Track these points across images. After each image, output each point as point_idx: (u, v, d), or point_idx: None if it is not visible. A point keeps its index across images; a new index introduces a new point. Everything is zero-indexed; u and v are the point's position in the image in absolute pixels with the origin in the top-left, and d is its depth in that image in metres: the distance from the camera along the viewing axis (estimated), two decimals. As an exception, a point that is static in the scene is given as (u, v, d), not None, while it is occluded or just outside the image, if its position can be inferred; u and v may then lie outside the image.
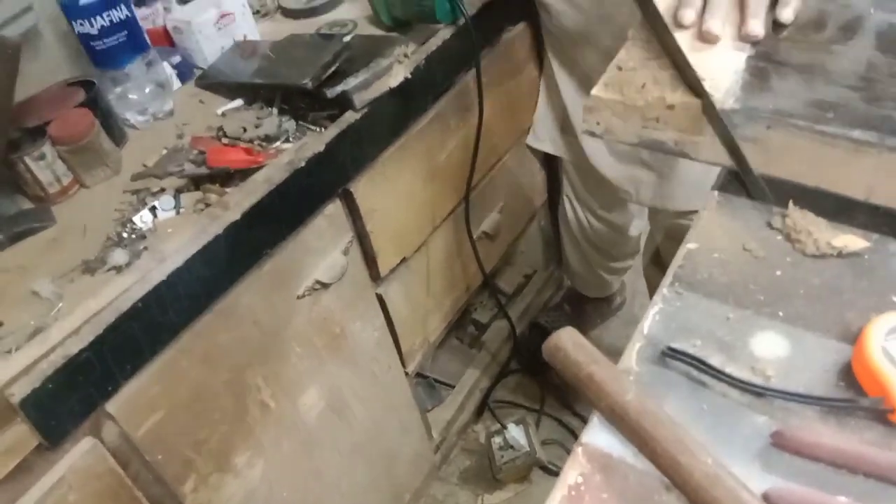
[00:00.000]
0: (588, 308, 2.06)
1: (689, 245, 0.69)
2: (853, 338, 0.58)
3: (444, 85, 1.33)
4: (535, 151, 1.69)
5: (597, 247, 1.80)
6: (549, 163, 1.79)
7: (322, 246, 1.18)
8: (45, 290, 0.94)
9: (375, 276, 1.33)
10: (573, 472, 0.55)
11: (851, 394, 0.56)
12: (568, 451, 0.56)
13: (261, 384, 1.13)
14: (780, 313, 0.62)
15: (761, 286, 0.65)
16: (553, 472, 1.74)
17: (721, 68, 0.68)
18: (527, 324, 2.01)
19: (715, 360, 0.59)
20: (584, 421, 0.58)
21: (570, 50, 1.42)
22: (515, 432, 1.70)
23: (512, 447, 1.70)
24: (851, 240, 0.65)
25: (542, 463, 1.72)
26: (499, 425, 1.78)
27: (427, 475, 1.76)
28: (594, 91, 0.70)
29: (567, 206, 1.76)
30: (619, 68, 0.71)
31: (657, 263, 1.71)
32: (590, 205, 1.71)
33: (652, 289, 1.82)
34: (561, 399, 1.92)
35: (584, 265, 1.89)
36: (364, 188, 1.21)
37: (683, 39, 0.70)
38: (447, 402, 1.84)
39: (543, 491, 0.52)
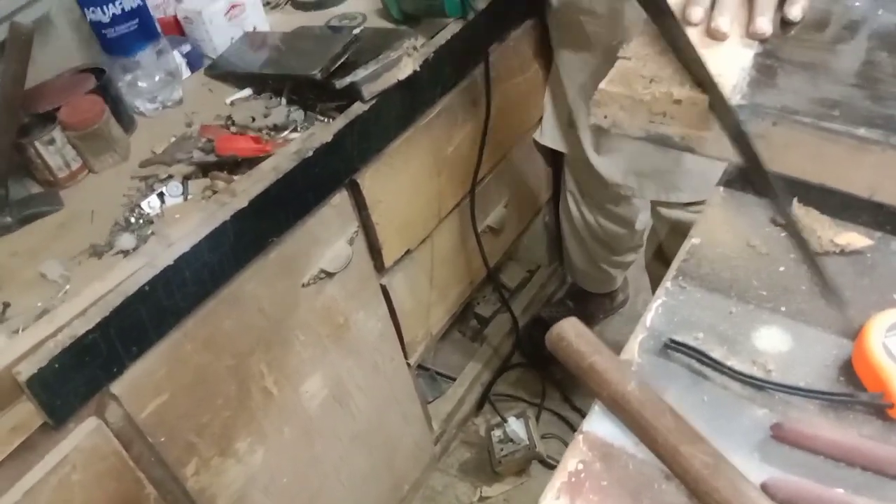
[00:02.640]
0: (591, 304, 2.06)
1: (693, 240, 0.70)
2: (854, 334, 0.59)
3: (453, 79, 1.33)
4: (541, 148, 1.69)
5: (600, 241, 1.80)
6: (555, 159, 1.79)
7: (328, 235, 1.18)
8: (53, 273, 0.95)
9: (380, 267, 1.34)
10: (573, 459, 0.55)
11: (851, 389, 0.56)
12: (567, 446, 0.57)
13: (264, 371, 1.14)
14: (783, 308, 0.63)
15: (764, 282, 0.65)
16: (552, 466, 1.75)
17: (728, 65, 0.68)
18: (529, 319, 2.01)
19: (716, 353, 0.60)
20: (584, 416, 0.59)
21: (578, 47, 1.42)
22: (516, 426, 1.71)
23: (512, 440, 1.70)
24: (854, 237, 0.66)
25: (542, 457, 1.73)
26: (499, 418, 1.79)
27: (427, 466, 1.76)
28: (602, 85, 0.70)
29: (570, 201, 1.77)
30: (627, 62, 0.71)
31: (661, 258, 1.71)
32: (595, 200, 1.71)
33: (655, 283, 1.82)
34: (561, 394, 1.93)
35: (587, 260, 1.89)
36: (371, 179, 1.21)
37: (691, 37, 0.71)
38: (448, 395, 1.85)
39: (542, 484, 0.53)
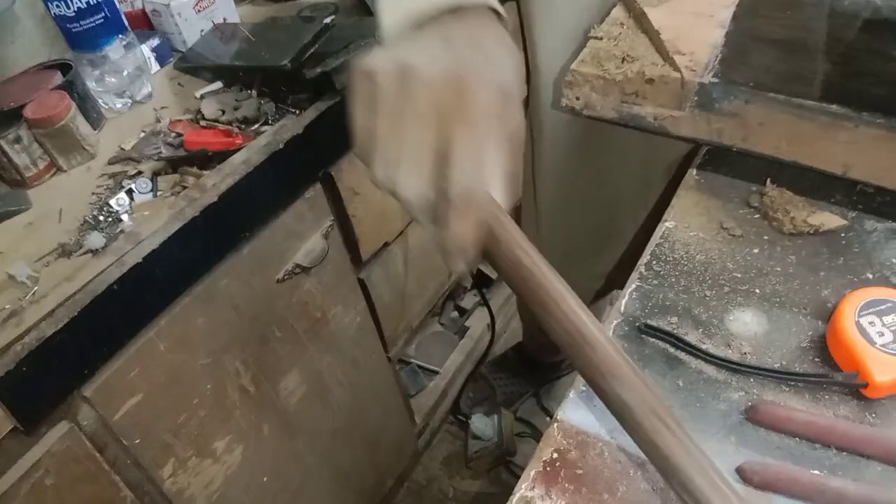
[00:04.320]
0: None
1: (667, 223, 0.69)
2: (828, 314, 0.58)
3: (426, 68, 1.31)
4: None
5: None
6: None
7: (302, 229, 1.16)
8: (21, 274, 0.93)
9: (357, 261, 1.32)
10: (548, 448, 0.54)
11: (826, 369, 0.56)
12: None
13: (240, 368, 1.12)
14: (757, 291, 0.62)
15: (738, 264, 0.65)
16: (516, 474, 1.73)
17: (700, 43, 0.67)
18: (510, 312, 2.00)
19: (691, 337, 0.59)
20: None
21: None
22: (480, 423, 1.69)
23: (480, 437, 1.69)
24: (828, 217, 0.65)
25: (512, 455, 1.71)
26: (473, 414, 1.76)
27: (410, 460, 1.75)
28: (574, 65, 0.69)
29: None
30: (599, 42, 0.70)
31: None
32: None
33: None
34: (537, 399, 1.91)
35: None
36: (346, 171, 1.20)
37: (662, 13, 0.70)
38: (430, 388, 1.84)
39: (513, 484, 0.52)
